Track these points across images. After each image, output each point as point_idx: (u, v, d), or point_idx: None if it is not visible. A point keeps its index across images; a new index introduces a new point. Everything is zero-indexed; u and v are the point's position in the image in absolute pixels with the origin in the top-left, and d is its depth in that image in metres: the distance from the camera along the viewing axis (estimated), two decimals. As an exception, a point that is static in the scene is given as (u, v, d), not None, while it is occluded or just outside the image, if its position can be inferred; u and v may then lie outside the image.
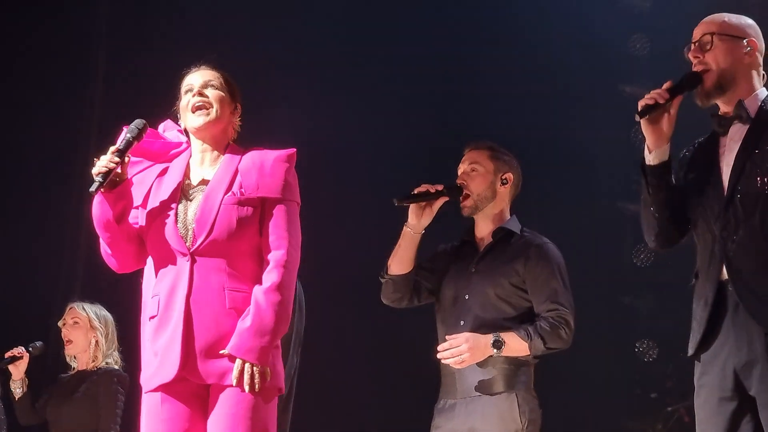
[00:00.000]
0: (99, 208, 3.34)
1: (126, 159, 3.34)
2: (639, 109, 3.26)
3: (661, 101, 3.25)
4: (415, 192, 4.16)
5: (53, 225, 7.00)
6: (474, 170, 4.25)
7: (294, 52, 6.91)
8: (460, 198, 4.25)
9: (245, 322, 3.21)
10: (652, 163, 3.31)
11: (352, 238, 6.60)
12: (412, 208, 4.17)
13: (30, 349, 5.55)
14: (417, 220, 4.18)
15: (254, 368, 3.19)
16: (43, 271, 6.90)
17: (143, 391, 3.37)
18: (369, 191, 6.68)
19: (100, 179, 3.27)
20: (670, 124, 3.30)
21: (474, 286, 4.18)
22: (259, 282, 3.28)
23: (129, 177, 3.38)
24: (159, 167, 3.47)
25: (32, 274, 6.81)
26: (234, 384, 3.20)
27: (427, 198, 4.16)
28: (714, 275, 3.21)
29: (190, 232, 3.31)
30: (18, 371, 5.50)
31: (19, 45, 7.05)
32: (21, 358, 5.48)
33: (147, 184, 3.43)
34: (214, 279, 3.27)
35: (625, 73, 6.99)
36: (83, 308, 5.51)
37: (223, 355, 3.22)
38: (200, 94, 3.40)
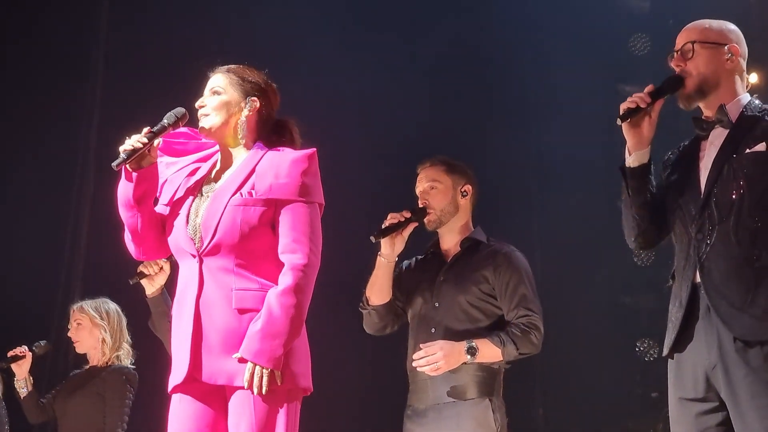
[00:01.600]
0: (121, 186, 3.37)
1: (156, 143, 3.35)
2: (620, 113, 3.28)
3: (643, 105, 3.27)
4: (387, 224, 4.23)
5: (53, 223, 7.00)
6: (433, 188, 4.33)
7: (292, 53, 6.92)
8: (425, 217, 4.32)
9: (256, 325, 3.20)
10: (632, 165, 3.33)
11: (336, 242, 6.61)
12: (385, 239, 4.23)
13: (34, 348, 5.54)
14: (391, 249, 4.25)
15: (264, 371, 3.17)
16: (43, 270, 6.90)
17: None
18: (357, 190, 6.70)
19: (124, 156, 3.29)
20: (651, 128, 3.31)
21: (443, 294, 4.24)
22: (277, 283, 3.28)
23: (156, 161, 3.38)
24: (191, 168, 3.49)
25: (32, 272, 6.81)
26: (246, 387, 3.19)
27: (399, 227, 4.23)
28: (688, 277, 3.23)
29: (198, 234, 3.33)
30: (21, 370, 5.49)
31: (18, 42, 7.05)
32: (24, 357, 5.48)
33: (176, 184, 3.46)
34: (221, 280, 3.27)
35: (625, 73, 7.00)
36: (82, 308, 5.50)
37: (230, 357, 3.22)
38: (201, 105, 3.43)
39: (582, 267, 6.79)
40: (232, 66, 3.48)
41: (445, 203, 4.30)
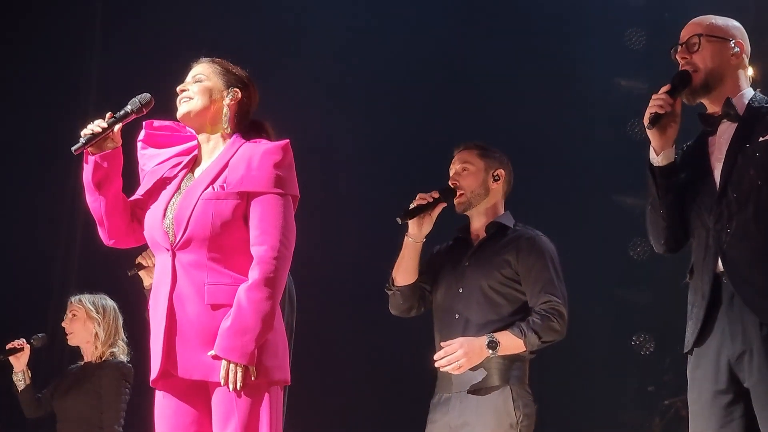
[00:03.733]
0: (83, 170, 3.37)
1: (117, 128, 3.35)
2: (648, 121, 3.29)
3: (669, 109, 3.29)
4: (415, 205, 4.18)
5: (49, 215, 6.99)
6: (465, 169, 4.29)
7: (287, 44, 6.91)
8: (455, 198, 4.29)
9: (227, 322, 3.19)
10: (660, 164, 3.34)
11: (344, 235, 6.61)
12: (412, 220, 4.21)
13: (32, 341, 5.53)
14: (418, 230, 4.22)
15: (237, 367, 3.16)
16: (39, 263, 6.89)
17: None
18: (356, 190, 6.70)
19: (83, 140, 3.30)
20: (677, 127, 3.34)
21: (468, 279, 4.21)
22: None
23: (119, 146, 3.37)
24: (174, 161, 3.47)
25: (29, 265, 6.80)
26: (222, 383, 3.19)
27: (427, 209, 4.18)
28: (710, 268, 3.23)
29: (171, 228, 3.32)
30: (19, 363, 5.48)
31: (13, 34, 7.04)
32: (22, 349, 5.47)
33: (157, 176, 3.44)
34: (194, 275, 3.25)
35: (621, 67, 7.00)
36: (80, 300, 5.51)
37: (205, 352, 3.21)
38: (182, 89, 3.42)
39: (578, 261, 6.79)
40: (217, 58, 3.48)
41: (475, 185, 4.26)
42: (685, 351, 3.32)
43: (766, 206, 3.16)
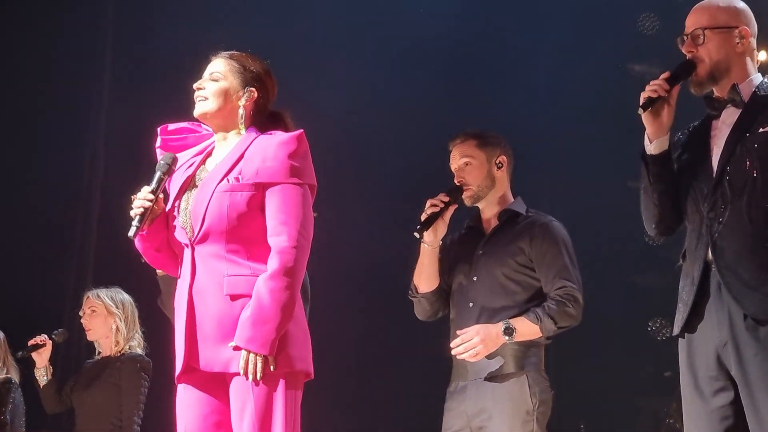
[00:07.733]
0: (141, 244, 3.39)
1: (159, 195, 3.36)
2: (641, 103, 3.28)
3: (663, 94, 3.28)
4: (428, 214, 4.16)
5: (64, 211, 7.03)
6: (468, 164, 4.26)
7: (298, 38, 6.93)
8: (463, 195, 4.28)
9: (246, 312, 3.20)
10: (653, 152, 3.34)
11: (356, 228, 6.62)
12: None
13: (53, 336, 5.55)
14: (434, 236, 4.20)
15: (257, 357, 3.18)
16: (54, 259, 6.93)
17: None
18: (366, 178, 6.71)
19: (137, 223, 3.30)
20: (671, 114, 3.32)
21: (481, 267, 4.19)
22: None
23: (165, 209, 3.38)
24: (191, 161, 3.47)
25: (44, 261, 6.84)
26: (241, 373, 3.21)
27: (440, 215, 4.16)
28: (700, 256, 3.24)
29: (189, 223, 3.33)
30: (41, 359, 5.50)
31: (27, 35, 7.06)
32: (44, 345, 5.49)
33: (177, 182, 3.43)
34: (213, 267, 3.27)
35: (635, 52, 6.99)
36: (98, 295, 5.52)
37: (225, 344, 3.22)
38: (199, 87, 3.42)
39: (593, 246, 6.79)
40: (235, 53, 3.46)
41: (480, 178, 4.24)
42: (675, 333, 3.34)
43: (760, 198, 3.16)
